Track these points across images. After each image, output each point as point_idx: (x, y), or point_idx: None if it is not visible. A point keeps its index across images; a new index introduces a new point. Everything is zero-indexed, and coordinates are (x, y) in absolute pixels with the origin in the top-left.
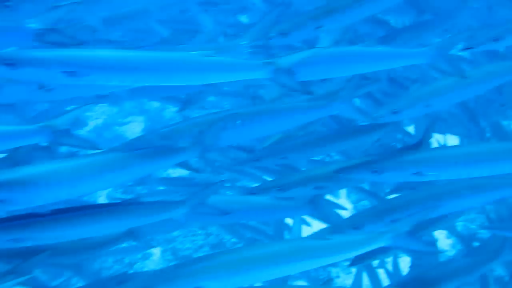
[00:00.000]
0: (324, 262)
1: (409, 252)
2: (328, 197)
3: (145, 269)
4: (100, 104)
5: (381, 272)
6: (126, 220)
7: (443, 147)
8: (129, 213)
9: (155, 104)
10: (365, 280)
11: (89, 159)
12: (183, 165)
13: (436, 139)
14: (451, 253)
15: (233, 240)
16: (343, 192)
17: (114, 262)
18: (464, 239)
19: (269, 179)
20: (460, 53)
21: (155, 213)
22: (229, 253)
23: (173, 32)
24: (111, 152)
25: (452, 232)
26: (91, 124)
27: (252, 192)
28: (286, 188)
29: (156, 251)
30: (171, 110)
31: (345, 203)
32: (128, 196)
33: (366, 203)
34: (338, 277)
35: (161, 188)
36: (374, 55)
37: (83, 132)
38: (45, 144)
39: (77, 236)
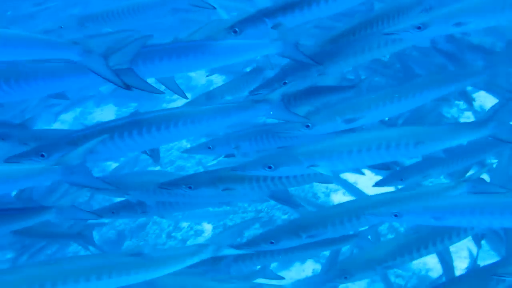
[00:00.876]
0: (142, 278)
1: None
2: None
3: None
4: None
5: None
6: None
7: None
8: None
9: (202, 81)
10: None
11: None
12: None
13: None
14: None
15: (284, 217)
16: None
17: (168, 238)
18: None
19: None
20: None
21: (24, 219)
22: (39, 266)
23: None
24: None
25: None
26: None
27: (162, 186)
28: (195, 187)
29: (208, 227)
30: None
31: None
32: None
33: None
34: None
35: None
36: (220, 48)
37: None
38: None
39: None
